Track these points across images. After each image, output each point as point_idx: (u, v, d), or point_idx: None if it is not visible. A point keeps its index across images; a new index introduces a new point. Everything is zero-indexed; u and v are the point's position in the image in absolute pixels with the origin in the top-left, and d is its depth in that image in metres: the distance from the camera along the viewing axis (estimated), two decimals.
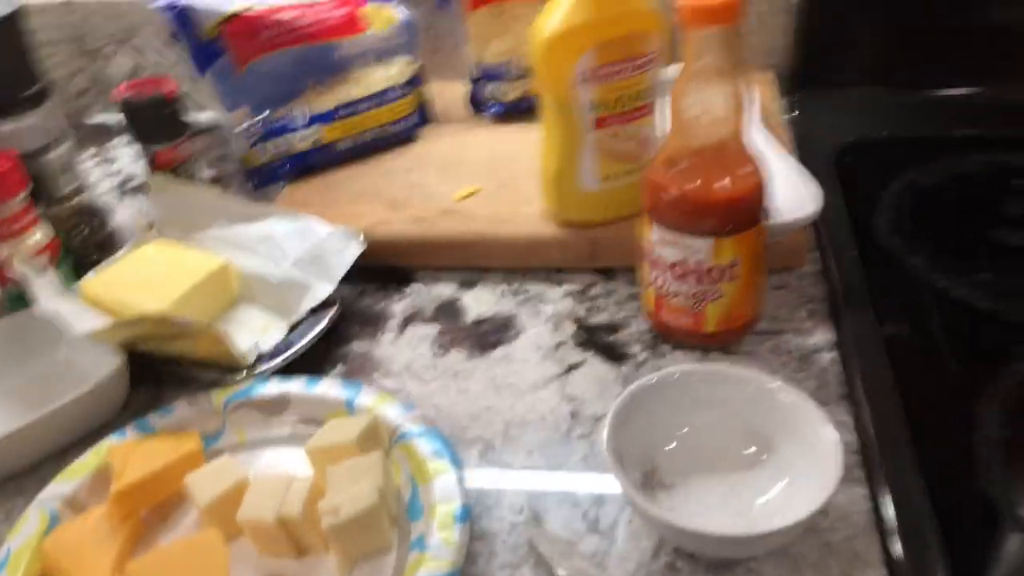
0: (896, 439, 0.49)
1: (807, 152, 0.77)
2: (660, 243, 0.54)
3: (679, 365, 0.54)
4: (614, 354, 0.58)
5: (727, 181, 0.51)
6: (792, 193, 0.62)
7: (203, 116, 0.87)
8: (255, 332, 0.61)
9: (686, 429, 0.49)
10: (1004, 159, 0.72)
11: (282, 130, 0.76)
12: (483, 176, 0.72)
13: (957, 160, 0.73)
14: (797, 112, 0.81)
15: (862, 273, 0.62)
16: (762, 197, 0.53)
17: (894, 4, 0.78)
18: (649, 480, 0.48)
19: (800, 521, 0.42)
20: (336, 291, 0.63)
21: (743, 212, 0.52)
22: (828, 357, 0.56)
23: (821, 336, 0.58)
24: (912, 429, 0.50)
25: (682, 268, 0.54)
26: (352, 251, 0.64)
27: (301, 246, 0.65)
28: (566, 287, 0.65)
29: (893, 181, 0.72)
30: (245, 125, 0.75)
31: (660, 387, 0.49)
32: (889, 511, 0.45)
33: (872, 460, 0.49)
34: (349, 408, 0.53)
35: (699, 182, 0.51)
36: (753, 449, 0.48)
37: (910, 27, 0.79)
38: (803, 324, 0.59)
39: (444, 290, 0.66)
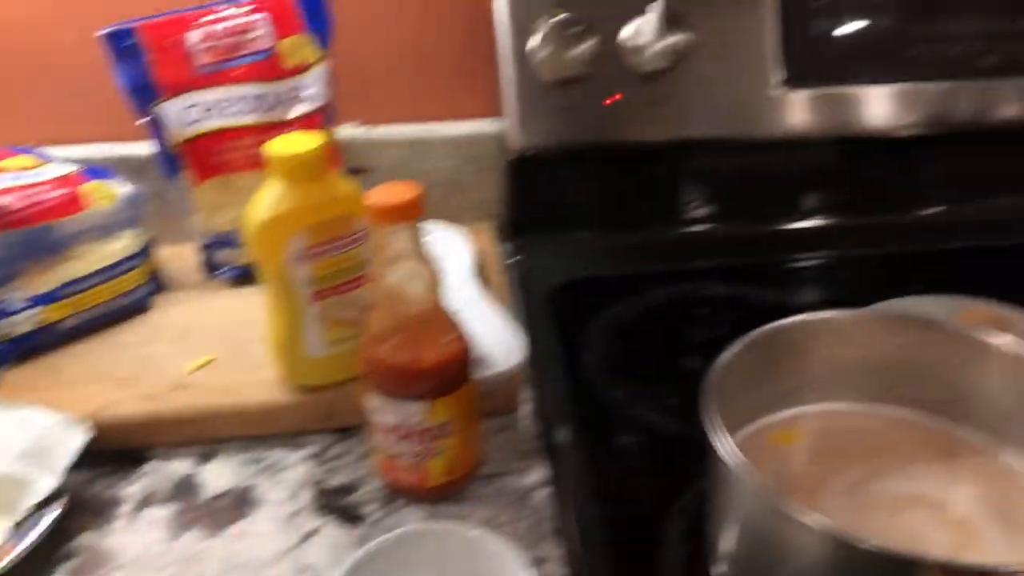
0: (603, 568, 0.56)
1: (527, 294, 0.86)
2: (379, 409, 0.59)
3: (388, 533, 0.56)
4: (350, 516, 0.61)
5: (433, 350, 0.57)
6: (501, 345, 0.69)
7: None
8: None
9: None
10: (686, 290, 0.84)
11: (2, 313, 0.74)
12: (217, 344, 0.74)
13: (650, 294, 0.84)
14: (518, 257, 0.90)
15: (572, 409, 0.70)
16: (468, 359, 0.59)
17: (593, 161, 0.90)
18: None
19: None
20: (62, 483, 0.61)
21: (451, 375, 0.58)
22: (542, 494, 0.62)
23: (537, 474, 0.64)
24: (617, 555, 0.57)
25: (402, 430, 0.58)
26: (77, 440, 0.63)
27: (21, 439, 0.63)
28: (305, 450, 0.67)
29: (598, 318, 0.81)
30: None
31: (376, 557, 0.52)
32: None
33: None
34: None
35: (407, 354, 0.57)
36: None
37: (609, 178, 0.91)
38: (520, 464, 0.65)
39: (180, 467, 0.66)
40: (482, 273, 0.82)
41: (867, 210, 0.94)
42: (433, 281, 0.57)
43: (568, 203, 0.90)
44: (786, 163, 0.91)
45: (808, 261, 0.90)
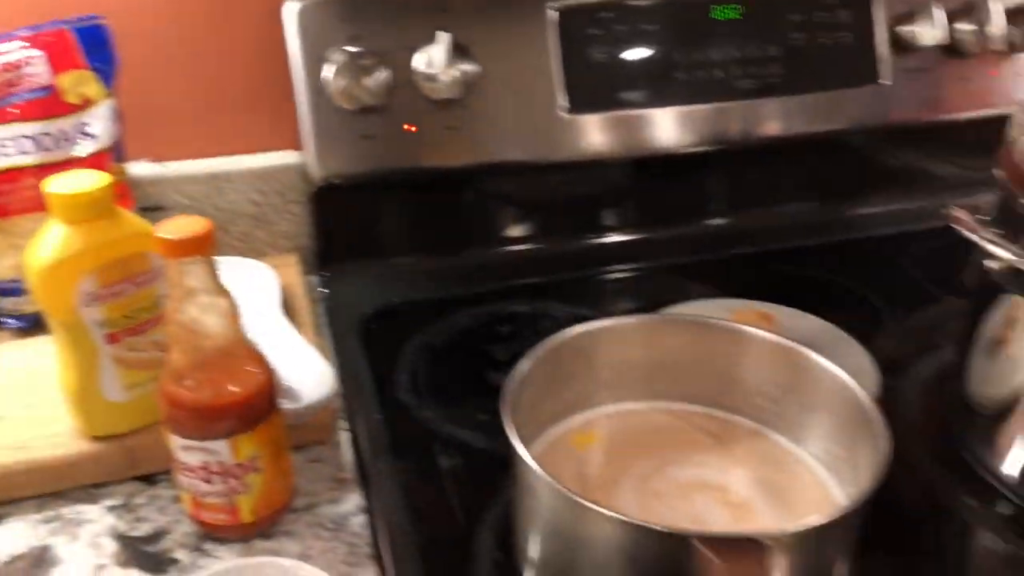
0: None
1: (338, 325, 0.86)
2: (182, 449, 0.57)
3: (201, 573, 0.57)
4: (159, 563, 0.59)
5: (233, 386, 0.57)
6: (310, 377, 0.69)
7: None
8: None
9: None
10: (493, 310, 0.87)
11: None
12: (5, 400, 0.70)
13: (459, 316, 0.86)
14: (327, 288, 0.90)
15: (386, 434, 0.71)
16: (271, 393, 0.59)
17: (396, 188, 0.91)
18: None
19: None
20: None
21: (255, 410, 0.58)
22: (358, 521, 0.63)
23: (351, 503, 0.64)
24: (431, 572, 0.58)
25: (207, 470, 0.57)
26: None
27: None
28: (108, 501, 0.64)
29: (410, 342, 0.83)
30: None
31: None
32: None
33: None
34: None
35: (207, 391, 0.56)
36: None
37: (413, 205, 0.92)
38: (335, 493, 0.65)
39: None
40: (290, 307, 0.82)
41: (657, 224, 1.01)
42: (231, 314, 0.56)
43: (374, 231, 0.91)
44: (580, 183, 0.96)
45: (606, 274, 0.96)
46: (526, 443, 0.59)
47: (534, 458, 0.58)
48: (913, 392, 0.76)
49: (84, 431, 0.65)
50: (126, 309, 0.62)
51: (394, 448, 0.70)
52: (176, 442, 0.57)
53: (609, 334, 0.61)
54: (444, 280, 0.91)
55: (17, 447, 0.65)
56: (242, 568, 0.54)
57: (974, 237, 0.56)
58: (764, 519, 0.55)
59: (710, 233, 1.03)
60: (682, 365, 0.62)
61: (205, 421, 0.56)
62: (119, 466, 0.65)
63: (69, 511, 0.64)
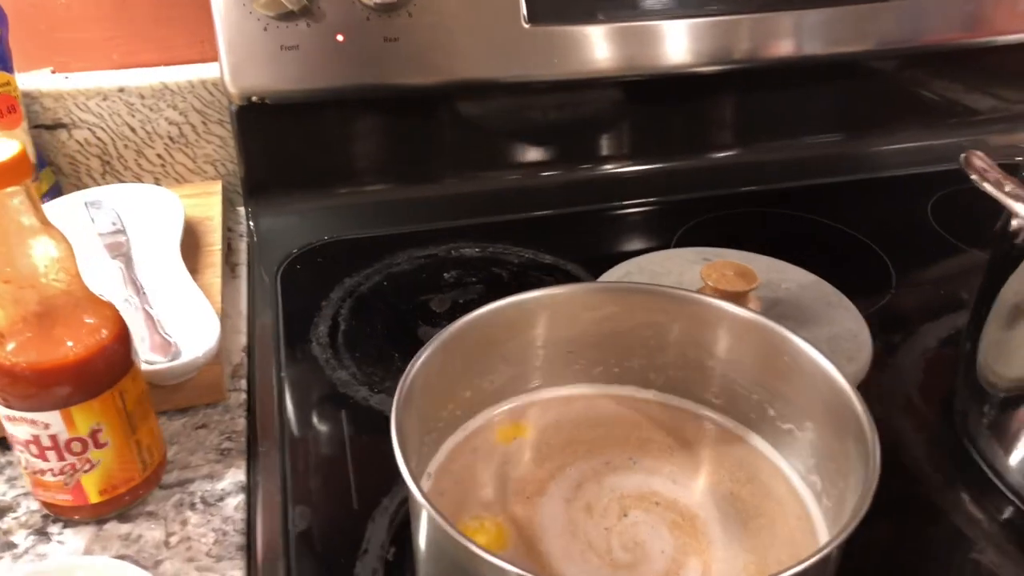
0: None
1: (258, 265, 0.76)
2: (9, 422, 0.48)
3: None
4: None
5: (66, 347, 0.47)
6: (193, 329, 0.59)
7: None
8: None
9: None
10: (434, 252, 0.76)
11: None
12: None
13: (397, 259, 0.76)
14: (253, 222, 0.80)
15: (288, 398, 0.61)
16: (120, 353, 0.49)
17: (331, 109, 0.79)
18: None
19: None
20: None
21: (94, 375, 0.48)
22: (234, 502, 0.53)
23: (231, 479, 0.55)
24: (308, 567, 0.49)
25: (40, 445, 0.48)
26: None
27: None
28: None
29: (337, 287, 0.72)
30: None
31: None
32: None
33: None
34: None
35: (31, 354, 0.46)
36: None
37: (351, 128, 0.81)
38: (216, 467, 0.56)
39: None
40: (202, 242, 0.72)
41: (644, 157, 0.89)
42: (62, 258, 0.46)
43: (305, 159, 0.80)
44: (548, 107, 0.84)
45: (574, 215, 0.84)
46: (441, 437, 0.49)
47: (449, 451, 0.49)
48: (913, 365, 0.64)
49: None
50: None
51: (293, 414, 0.60)
52: (4, 413, 0.48)
53: (543, 307, 0.49)
54: (384, 217, 0.80)
55: None
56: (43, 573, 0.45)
57: (988, 187, 0.43)
58: (715, 552, 0.44)
59: (708, 168, 0.91)
60: (634, 345, 0.50)
61: (30, 388, 0.46)
62: None
63: None
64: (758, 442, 0.50)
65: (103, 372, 0.48)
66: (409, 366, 0.44)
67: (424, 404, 0.45)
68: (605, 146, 0.89)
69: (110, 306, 0.50)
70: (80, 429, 0.48)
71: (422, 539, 0.41)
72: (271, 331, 0.68)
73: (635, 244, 0.75)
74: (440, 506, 0.36)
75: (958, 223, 0.82)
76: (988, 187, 0.44)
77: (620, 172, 0.89)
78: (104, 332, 0.48)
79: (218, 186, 0.79)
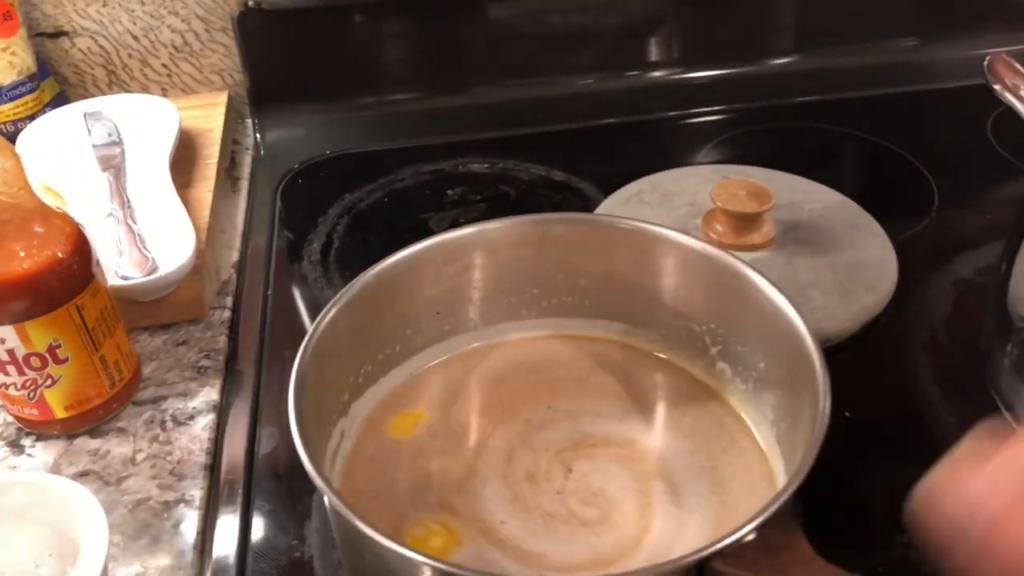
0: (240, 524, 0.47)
1: (265, 178, 0.74)
2: None
3: None
4: None
5: (14, 260, 0.45)
6: (171, 243, 0.57)
7: None
8: None
9: None
10: (440, 168, 0.73)
11: None
12: None
13: (401, 174, 0.73)
14: (259, 135, 0.77)
15: (271, 316, 0.60)
16: (70, 267, 0.47)
17: (340, 14, 0.76)
18: None
19: None
20: None
21: (48, 290, 0.46)
22: (205, 421, 0.52)
23: (204, 398, 0.54)
24: (268, 494, 0.48)
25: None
26: None
27: None
28: None
29: (336, 203, 0.70)
30: None
31: None
32: None
33: (208, 546, 0.46)
34: None
35: None
36: (54, 562, 0.43)
37: (363, 36, 0.77)
38: (190, 385, 0.54)
39: None
40: (202, 154, 0.70)
41: (679, 64, 0.82)
42: (11, 170, 0.45)
43: (312, 68, 0.76)
44: (570, 9, 0.78)
45: (591, 128, 0.79)
46: (359, 391, 0.46)
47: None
48: (943, 298, 0.59)
49: None
50: None
51: (274, 334, 0.58)
52: None
53: (482, 241, 0.45)
54: (391, 130, 0.77)
55: None
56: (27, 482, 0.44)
57: (1009, 97, 0.38)
58: (673, 469, 0.40)
59: (753, 77, 0.83)
60: (582, 281, 0.47)
61: None
62: None
63: None
64: (699, 373, 0.47)
65: (58, 287, 0.47)
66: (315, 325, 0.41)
67: (328, 377, 0.42)
68: (639, 52, 0.82)
69: (68, 220, 0.48)
70: (37, 345, 0.47)
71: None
72: (264, 248, 0.66)
73: (657, 161, 0.70)
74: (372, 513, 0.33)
75: (1022, 141, 0.74)
76: (1010, 97, 0.38)
77: (651, 81, 0.82)
78: (59, 246, 0.47)
79: (224, 97, 0.77)
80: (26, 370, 0.48)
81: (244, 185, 0.73)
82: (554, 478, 0.42)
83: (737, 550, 0.29)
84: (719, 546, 0.29)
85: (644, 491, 0.40)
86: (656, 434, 0.43)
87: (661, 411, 0.44)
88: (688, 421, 0.44)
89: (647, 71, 0.82)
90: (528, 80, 0.80)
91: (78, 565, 0.40)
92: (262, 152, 0.76)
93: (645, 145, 0.78)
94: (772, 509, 0.30)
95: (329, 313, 0.41)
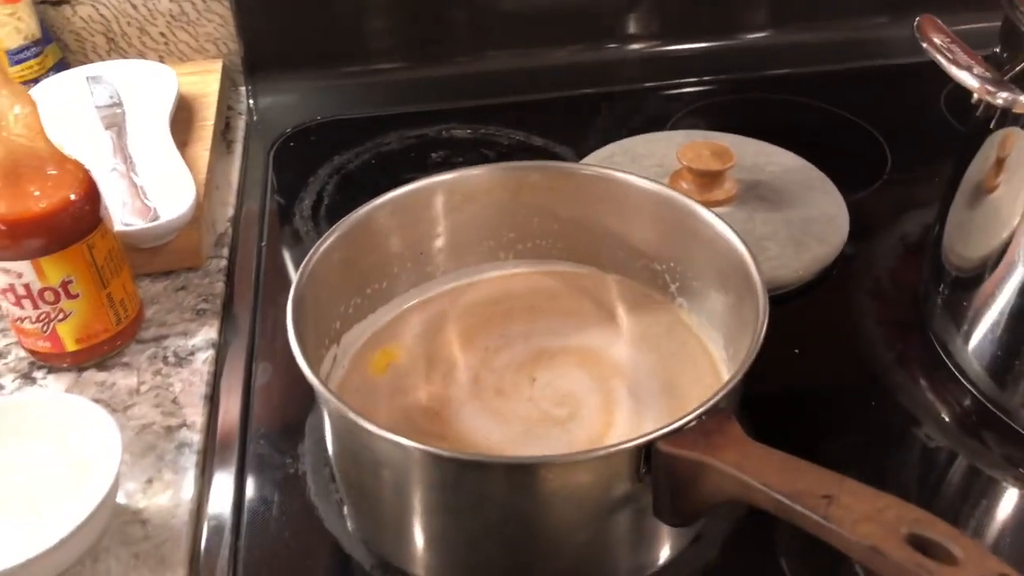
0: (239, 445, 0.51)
1: (258, 141, 0.78)
2: None
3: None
4: None
5: (34, 201, 0.49)
6: (171, 195, 0.61)
7: None
8: None
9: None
10: (424, 132, 0.77)
11: None
12: None
13: (387, 138, 0.77)
14: (252, 100, 0.81)
15: (265, 265, 0.64)
16: (81, 209, 0.51)
17: None
18: None
19: (70, 536, 0.41)
20: None
21: (61, 228, 0.50)
22: (204, 356, 0.56)
23: (204, 336, 0.58)
24: (262, 422, 0.52)
25: (15, 294, 0.51)
26: None
27: None
28: None
29: (326, 165, 0.74)
30: None
31: None
32: (207, 513, 0.47)
33: (209, 464, 0.50)
34: None
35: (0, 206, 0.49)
36: (64, 471, 0.47)
37: (351, 6, 0.81)
38: (190, 326, 0.58)
39: None
40: (197, 117, 0.74)
41: (661, 36, 0.87)
42: (28, 116, 0.48)
43: (304, 37, 0.80)
44: None
45: (571, 96, 0.83)
46: (349, 324, 0.50)
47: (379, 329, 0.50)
48: (890, 252, 0.63)
49: None
50: None
51: (268, 281, 0.62)
52: None
53: (462, 186, 0.50)
54: (379, 98, 0.81)
55: None
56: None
57: (936, 55, 0.42)
58: (627, 367, 0.45)
59: (725, 51, 0.88)
60: (555, 226, 0.51)
61: (3, 238, 0.49)
62: None
63: None
64: (670, 304, 0.51)
65: (70, 226, 0.51)
66: (305, 262, 0.45)
67: (323, 301, 0.45)
68: (617, 25, 0.86)
69: (79, 165, 0.52)
70: (51, 279, 0.51)
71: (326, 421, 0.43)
72: (258, 204, 0.70)
73: (631, 129, 0.74)
74: None
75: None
76: (936, 55, 0.43)
77: (627, 53, 0.87)
78: (72, 189, 0.51)
79: (218, 64, 0.81)
80: (40, 304, 0.52)
81: (238, 148, 0.76)
82: (522, 388, 0.46)
83: (679, 434, 0.33)
84: (664, 431, 0.33)
85: (605, 390, 0.45)
86: (612, 342, 0.48)
87: (616, 323, 0.49)
88: (641, 330, 0.49)
89: (624, 43, 0.86)
90: (509, 51, 0.84)
91: (92, 476, 0.44)
92: (255, 117, 0.80)
93: (620, 114, 0.82)
94: (713, 401, 0.34)
95: (325, 243, 0.45)
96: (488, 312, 0.51)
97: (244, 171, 0.74)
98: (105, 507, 0.43)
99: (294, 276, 0.44)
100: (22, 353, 0.57)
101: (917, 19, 0.45)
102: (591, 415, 0.44)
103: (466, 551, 0.40)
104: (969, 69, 0.40)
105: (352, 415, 0.36)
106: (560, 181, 0.50)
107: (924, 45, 0.43)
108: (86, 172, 0.52)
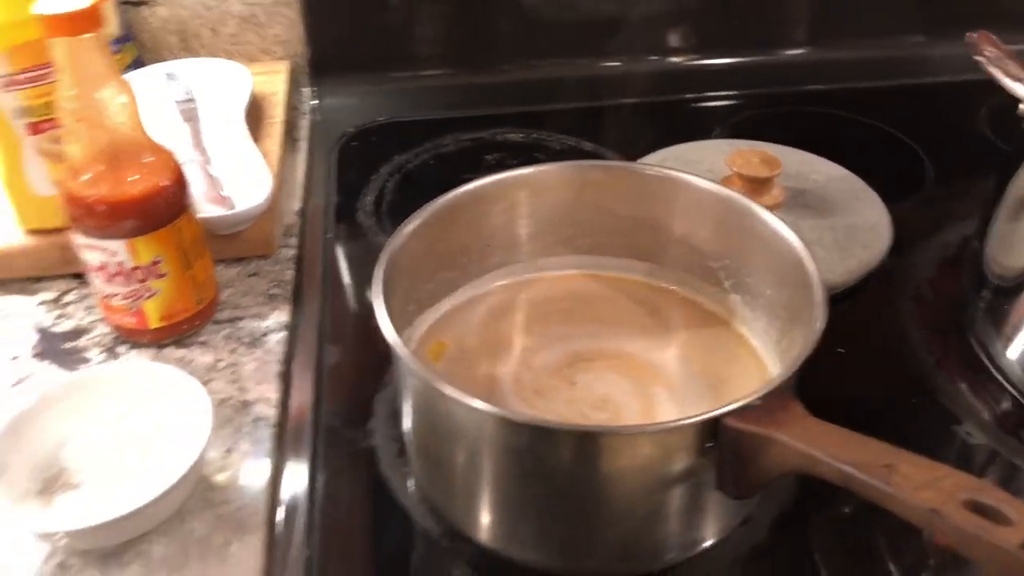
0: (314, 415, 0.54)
1: (321, 139, 0.82)
2: (84, 248, 0.55)
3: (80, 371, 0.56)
4: (72, 361, 0.58)
5: (132, 184, 0.53)
6: (248, 185, 0.65)
7: None
8: None
9: (92, 428, 0.50)
10: (479, 136, 0.80)
11: None
12: None
13: (445, 140, 0.80)
14: (318, 100, 0.85)
15: (332, 254, 0.67)
16: (176, 194, 0.55)
17: None
18: (52, 485, 0.48)
19: (162, 496, 0.44)
20: None
21: (155, 211, 0.54)
22: (276, 338, 0.60)
23: (276, 319, 0.61)
24: (332, 405, 0.55)
25: (108, 271, 0.55)
26: None
27: None
28: (39, 296, 0.64)
29: (387, 163, 0.77)
30: None
31: (60, 395, 0.50)
32: (282, 482, 0.50)
33: (283, 436, 0.53)
34: None
35: (103, 188, 0.52)
36: (154, 436, 0.50)
37: (420, 9, 0.84)
38: (263, 309, 0.62)
39: None
40: (266, 115, 0.77)
41: (708, 50, 0.90)
42: (128, 104, 0.52)
43: (370, 41, 0.84)
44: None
45: (623, 106, 0.86)
46: (420, 308, 0.53)
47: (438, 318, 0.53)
48: (931, 260, 0.66)
49: (21, 224, 0.64)
50: (44, 99, 0.58)
51: (335, 269, 0.66)
52: (78, 240, 0.55)
53: (531, 182, 0.53)
54: (437, 101, 0.85)
55: None
56: (96, 375, 0.52)
57: (992, 69, 0.45)
58: (669, 375, 0.48)
59: (772, 65, 0.91)
60: (614, 223, 0.54)
61: (102, 218, 0.53)
62: (53, 262, 0.64)
63: (3, 301, 0.63)
64: (711, 304, 0.53)
65: (163, 209, 0.54)
66: (389, 241, 0.48)
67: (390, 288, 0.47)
68: (667, 38, 0.90)
69: (169, 154, 0.56)
70: (143, 258, 0.54)
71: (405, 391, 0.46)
72: (323, 198, 0.74)
73: (677, 137, 0.77)
74: None
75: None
76: (992, 69, 0.45)
77: (677, 65, 0.90)
78: (164, 174, 0.54)
79: (284, 65, 0.85)
80: (131, 282, 0.55)
81: (303, 145, 0.80)
82: (561, 391, 0.49)
83: (745, 410, 0.36)
84: (732, 407, 0.36)
85: (646, 395, 0.47)
86: (653, 349, 0.50)
87: (663, 330, 0.51)
88: (685, 337, 0.51)
89: (668, 56, 0.89)
90: (558, 60, 0.87)
91: (183, 440, 0.48)
92: (319, 117, 0.83)
93: (665, 123, 0.85)
94: (775, 384, 0.37)
95: (408, 226, 0.48)
96: (535, 311, 0.54)
97: (310, 168, 0.77)
98: (195, 470, 0.46)
99: (380, 257, 0.47)
100: (106, 329, 0.60)
101: (971, 34, 0.47)
102: (633, 419, 0.46)
103: (530, 519, 0.43)
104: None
105: (437, 382, 0.39)
106: (622, 180, 0.53)
107: (978, 58, 0.46)
108: (176, 160, 0.56)
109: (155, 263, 0.55)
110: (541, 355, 0.51)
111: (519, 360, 0.51)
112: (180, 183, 0.55)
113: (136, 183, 0.53)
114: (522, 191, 0.53)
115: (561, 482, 0.40)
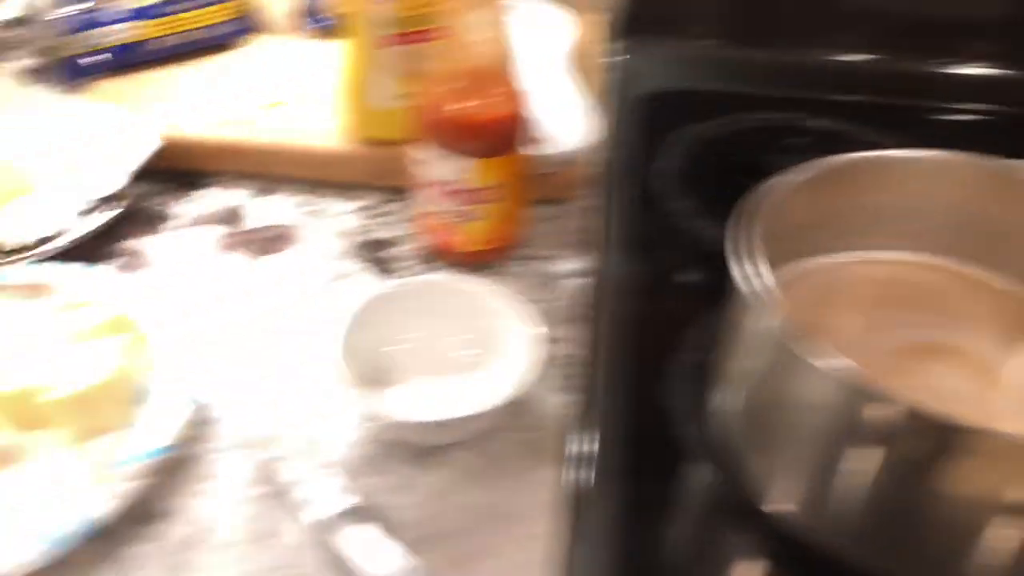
0: (611, 360, 0.54)
1: (620, 96, 0.81)
2: (427, 162, 0.57)
3: (418, 277, 0.58)
4: (383, 267, 0.62)
5: (487, 104, 0.54)
6: (569, 130, 0.66)
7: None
8: (33, 219, 0.62)
9: (419, 333, 0.53)
10: (784, 117, 0.77)
11: (101, 22, 0.75)
12: (293, 90, 0.74)
13: (746, 117, 0.78)
14: (622, 57, 0.85)
15: (630, 212, 0.67)
16: (518, 125, 0.56)
17: None
18: (379, 377, 0.51)
19: (485, 411, 0.46)
20: (126, 185, 0.64)
21: (503, 137, 0.55)
22: (573, 282, 0.60)
23: (573, 264, 0.62)
24: (629, 354, 0.55)
25: (447, 187, 0.57)
26: (148, 146, 0.65)
27: (100, 128, 0.66)
28: (356, 203, 0.67)
29: (685, 130, 0.76)
30: (62, 13, 0.75)
31: (396, 296, 0.52)
32: (581, 415, 0.51)
33: (584, 377, 0.54)
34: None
35: (461, 103, 0.54)
36: (476, 351, 0.52)
37: None
38: (560, 252, 0.63)
39: (235, 196, 0.67)
40: (581, 64, 0.78)
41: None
42: (501, 37, 0.54)
43: (683, 7, 0.83)
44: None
45: (936, 110, 0.81)
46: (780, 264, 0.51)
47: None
48: None
49: (350, 132, 0.68)
50: (413, 10, 0.60)
51: (630, 225, 0.66)
52: (422, 152, 0.57)
53: (903, 167, 0.50)
54: (745, 75, 0.82)
55: (291, 131, 0.69)
56: (431, 284, 0.54)
57: None
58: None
59: None
60: (980, 220, 0.50)
61: (452, 134, 0.55)
62: (375, 172, 0.67)
63: (321, 203, 0.67)
64: None
65: (508, 136, 0.56)
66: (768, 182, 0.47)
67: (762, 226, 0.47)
68: (975, 43, 0.83)
69: (520, 89, 0.57)
70: (486, 180, 0.56)
71: (747, 338, 0.45)
72: (621, 157, 0.73)
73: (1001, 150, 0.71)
74: None
75: None
76: None
77: (989, 74, 0.84)
78: (519, 103, 0.55)
79: (600, 17, 0.85)
80: (466, 202, 0.57)
81: (607, 102, 0.80)
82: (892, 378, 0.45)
83: None
84: None
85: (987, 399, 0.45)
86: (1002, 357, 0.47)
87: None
88: None
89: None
90: (873, 52, 0.83)
91: (507, 362, 0.49)
92: (625, 75, 0.83)
93: (977, 134, 0.79)
94: None
95: (794, 178, 0.47)
96: (881, 293, 0.52)
97: (612, 124, 0.77)
98: (519, 393, 0.48)
99: (751, 208, 0.46)
100: (412, 245, 0.63)
101: None
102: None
103: (862, 511, 0.41)
104: None
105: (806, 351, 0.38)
106: (997, 182, 0.50)
107: None
108: (523, 93, 0.57)
109: (493, 188, 0.56)
110: (879, 337, 0.49)
111: (857, 340, 0.49)
112: (522, 118, 0.56)
113: (497, 105, 0.55)
114: (900, 172, 0.51)
115: (911, 479, 0.38)
